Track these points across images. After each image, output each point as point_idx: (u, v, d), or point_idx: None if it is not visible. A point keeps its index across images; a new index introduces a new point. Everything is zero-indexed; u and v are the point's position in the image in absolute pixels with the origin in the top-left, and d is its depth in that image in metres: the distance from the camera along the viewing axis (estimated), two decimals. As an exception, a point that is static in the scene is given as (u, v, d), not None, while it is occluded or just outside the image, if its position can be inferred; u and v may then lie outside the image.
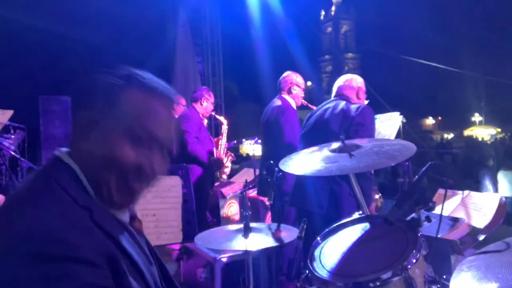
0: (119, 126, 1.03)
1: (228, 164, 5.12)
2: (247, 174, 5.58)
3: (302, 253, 1.99)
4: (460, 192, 3.26)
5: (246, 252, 2.11)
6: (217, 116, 5.31)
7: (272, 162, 2.47)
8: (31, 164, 5.16)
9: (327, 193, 3.04)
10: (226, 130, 5.17)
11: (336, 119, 3.12)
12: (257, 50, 12.02)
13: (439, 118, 57.85)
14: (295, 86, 4.16)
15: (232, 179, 5.47)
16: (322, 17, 65.62)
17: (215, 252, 2.84)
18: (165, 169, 1.12)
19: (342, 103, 3.19)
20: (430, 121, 58.69)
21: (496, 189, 6.72)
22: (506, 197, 4.07)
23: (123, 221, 1.11)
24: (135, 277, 1.01)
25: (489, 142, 18.23)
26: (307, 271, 1.78)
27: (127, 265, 1.00)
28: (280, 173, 2.40)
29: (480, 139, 18.47)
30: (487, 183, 6.92)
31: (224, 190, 5.08)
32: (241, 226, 2.21)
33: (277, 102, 4.13)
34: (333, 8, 65.43)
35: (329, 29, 65.20)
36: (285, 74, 4.23)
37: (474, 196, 3.18)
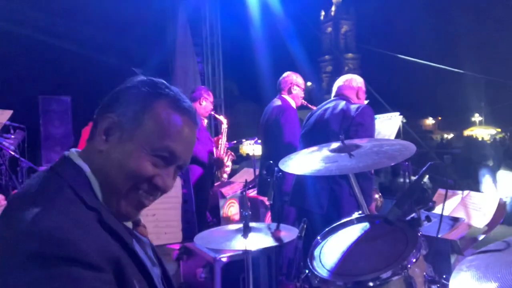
0: (142, 136, 1.03)
1: (229, 163, 5.11)
2: (247, 174, 5.58)
3: (302, 253, 1.99)
4: (460, 192, 3.26)
5: (245, 252, 2.11)
6: (217, 116, 5.30)
7: (272, 162, 2.47)
8: (31, 164, 5.17)
9: (327, 193, 3.04)
10: (226, 129, 5.17)
11: (336, 119, 3.13)
12: (257, 50, 12.04)
13: (439, 118, 57.75)
14: (295, 86, 4.16)
15: (232, 179, 5.47)
16: (322, 17, 65.48)
17: (215, 252, 2.84)
18: (173, 185, 1.11)
19: (342, 103, 3.20)
20: (430, 121, 58.61)
21: (496, 189, 6.72)
22: (506, 197, 4.07)
23: (127, 225, 1.11)
24: (140, 281, 0.99)
25: (489, 142, 18.24)
26: (307, 270, 1.78)
27: (134, 268, 0.99)
28: (280, 173, 2.40)
29: (480, 139, 18.45)
30: (487, 183, 6.92)
31: (224, 190, 5.08)
32: (240, 226, 2.21)
33: (277, 102, 4.13)
34: (333, 8, 65.31)
35: (329, 29, 65.08)
36: (285, 74, 4.24)
37: (474, 196, 3.18)
